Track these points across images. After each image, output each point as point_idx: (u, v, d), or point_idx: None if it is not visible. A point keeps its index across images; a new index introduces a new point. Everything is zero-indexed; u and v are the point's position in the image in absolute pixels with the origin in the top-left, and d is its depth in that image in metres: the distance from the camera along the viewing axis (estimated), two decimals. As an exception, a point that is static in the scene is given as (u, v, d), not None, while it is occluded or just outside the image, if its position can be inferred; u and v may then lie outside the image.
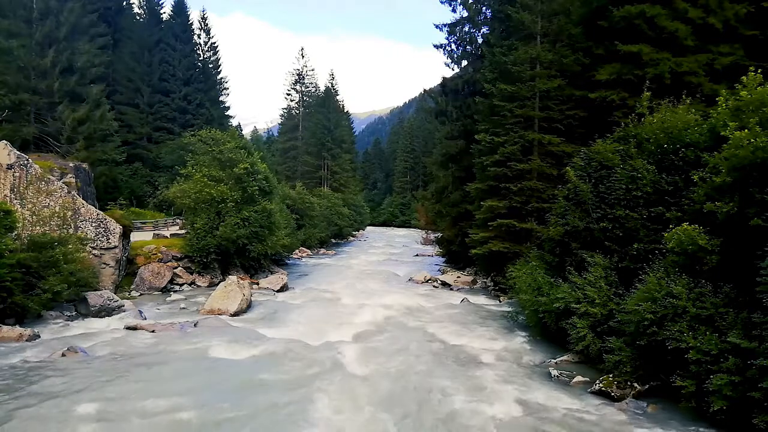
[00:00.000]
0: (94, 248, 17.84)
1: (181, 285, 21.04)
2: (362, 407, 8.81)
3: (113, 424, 7.78)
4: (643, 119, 12.66)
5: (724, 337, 8.00)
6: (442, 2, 27.98)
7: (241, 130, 65.40)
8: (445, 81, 30.18)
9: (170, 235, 26.03)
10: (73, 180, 21.46)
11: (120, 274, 18.93)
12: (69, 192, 18.15)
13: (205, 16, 50.20)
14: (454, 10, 28.29)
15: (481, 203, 20.69)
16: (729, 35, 16.09)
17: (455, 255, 29.13)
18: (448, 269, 28.20)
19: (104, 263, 18.04)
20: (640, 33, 16.10)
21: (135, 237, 22.42)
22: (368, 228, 77.97)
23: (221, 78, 52.07)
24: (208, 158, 24.15)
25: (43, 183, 17.38)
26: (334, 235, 51.30)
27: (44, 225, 16.29)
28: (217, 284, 19.10)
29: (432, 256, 38.18)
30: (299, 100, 68.13)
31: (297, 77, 67.65)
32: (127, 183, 38.00)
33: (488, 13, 27.22)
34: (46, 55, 27.47)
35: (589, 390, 9.81)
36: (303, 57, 67.80)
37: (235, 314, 16.11)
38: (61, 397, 8.76)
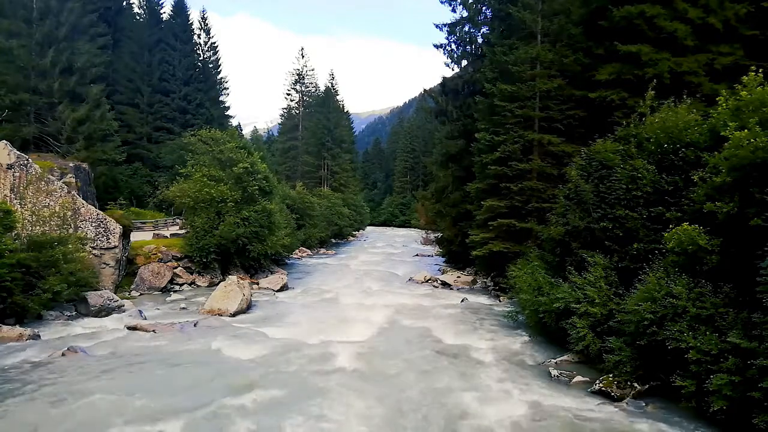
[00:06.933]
0: (94, 248, 17.84)
1: (181, 285, 21.04)
2: (362, 406, 8.81)
3: (113, 424, 7.78)
4: (644, 119, 12.66)
5: (724, 337, 8.00)
6: (442, 2, 27.94)
7: (241, 130, 65.48)
8: (445, 81, 30.15)
9: (170, 235, 26.05)
10: (73, 180, 21.49)
11: (120, 274, 18.93)
12: (69, 192, 18.15)
13: (205, 16, 50.32)
14: (454, 10, 28.25)
15: (482, 203, 20.69)
16: (729, 35, 16.08)
17: (455, 255, 29.11)
18: (448, 269, 28.18)
19: (104, 263, 18.05)
20: (640, 33, 16.09)
21: (135, 237, 22.42)
22: (368, 228, 77.97)
23: (221, 78, 52.13)
24: (208, 158, 24.16)
25: (43, 183, 17.38)
26: (334, 235, 51.30)
27: (44, 225, 16.28)
28: (217, 284, 19.09)
29: (432, 256, 38.17)
30: (299, 100, 68.10)
31: (297, 77, 67.63)
32: (127, 183, 37.99)
33: (488, 12, 27.17)
34: (46, 55, 27.47)
35: (589, 390, 9.82)
36: (303, 57, 67.82)
37: (235, 314, 16.10)
38: (61, 397, 8.76)
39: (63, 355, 11.05)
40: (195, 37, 49.03)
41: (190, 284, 21.37)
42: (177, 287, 20.76)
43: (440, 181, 31.47)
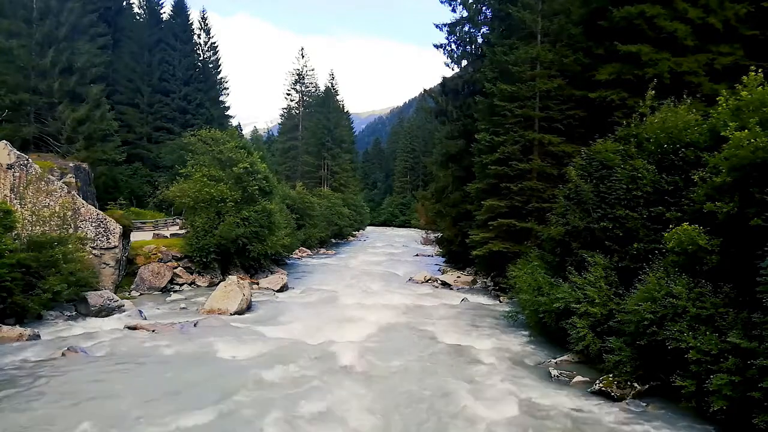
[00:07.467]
0: (94, 248, 17.83)
1: (181, 285, 21.02)
2: (362, 407, 8.81)
3: (113, 425, 7.78)
4: (644, 119, 12.67)
5: (724, 337, 8.00)
6: (442, 2, 27.95)
7: (241, 130, 65.49)
8: (445, 81, 30.17)
9: (170, 235, 26.04)
10: (73, 180, 21.49)
11: (120, 274, 18.92)
12: (69, 192, 18.15)
13: (205, 16, 50.36)
14: (454, 10, 28.27)
15: (482, 203, 20.71)
16: (729, 35, 16.08)
17: (455, 255, 29.12)
18: (448, 269, 28.20)
19: (104, 263, 18.04)
20: (640, 33, 16.09)
21: (135, 237, 22.42)
22: (368, 228, 77.99)
23: (221, 78, 52.16)
24: (208, 158, 24.15)
25: (43, 183, 17.37)
26: (334, 235, 51.30)
27: (44, 225, 16.27)
28: (217, 284, 19.08)
29: (432, 256, 38.18)
30: (299, 100, 68.13)
31: (297, 77, 67.67)
32: (127, 183, 38.01)
33: (488, 12, 27.19)
34: (46, 55, 27.48)
35: (589, 390, 9.82)
36: (303, 57, 67.87)
37: (235, 314, 16.10)
38: (61, 397, 8.76)
39: (63, 355, 11.04)
40: (195, 37, 49.07)
41: (190, 284, 21.36)
42: (177, 287, 20.75)
43: (440, 181, 31.48)
